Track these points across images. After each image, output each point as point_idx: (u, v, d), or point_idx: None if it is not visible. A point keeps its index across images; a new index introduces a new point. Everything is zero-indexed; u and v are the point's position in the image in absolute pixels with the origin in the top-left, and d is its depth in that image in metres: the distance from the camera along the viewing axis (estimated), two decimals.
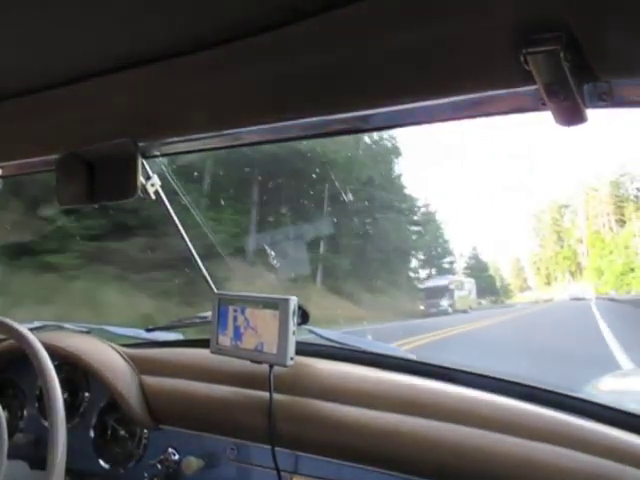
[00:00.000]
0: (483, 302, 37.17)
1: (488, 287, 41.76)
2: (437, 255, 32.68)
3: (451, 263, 35.01)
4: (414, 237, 28.40)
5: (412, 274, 28.24)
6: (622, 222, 42.61)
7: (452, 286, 25.16)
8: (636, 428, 0.91)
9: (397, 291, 22.67)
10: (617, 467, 0.84)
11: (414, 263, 29.16)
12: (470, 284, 28.66)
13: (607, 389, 1.77)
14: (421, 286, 26.20)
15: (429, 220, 31.10)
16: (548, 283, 53.07)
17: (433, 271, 31.09)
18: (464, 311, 23.84)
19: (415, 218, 28.29)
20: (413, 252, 28.21)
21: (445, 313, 21.87)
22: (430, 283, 26.29)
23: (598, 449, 0.87)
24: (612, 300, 26.83)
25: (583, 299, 31.42)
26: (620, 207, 43.66)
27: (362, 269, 20.04)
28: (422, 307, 22.23)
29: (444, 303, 23.12)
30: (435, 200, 64.80)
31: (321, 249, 17.65)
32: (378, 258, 21.49)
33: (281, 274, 13.52)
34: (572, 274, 50.04)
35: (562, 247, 52.36)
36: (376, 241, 21.38)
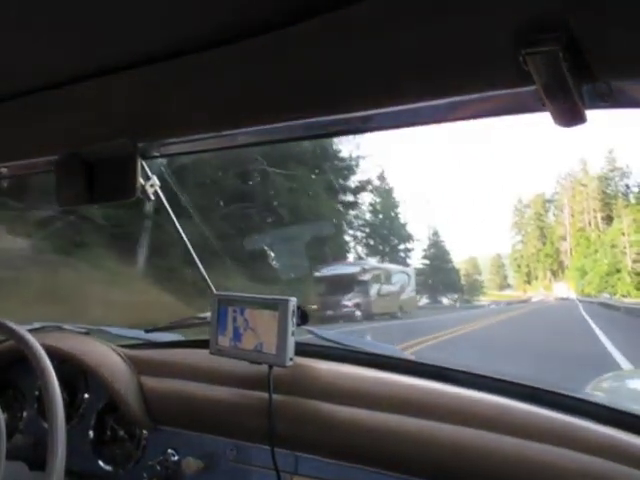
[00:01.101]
0: (445, 300, 31.13)
1: (450, 282, 35.52)
2: (380, 237, 23.41)
3: (406, 251, 26.05)
4: (343, 210, 19.60)
5: (338, 259, 18.37)
6: (609, 219, 41.26)
7: (366, 277, 16.45)
8: (635, 428, 0.91)
9: (302, 282, 13.93)
10: (616, 467, 0.84)
11: (340, 246, 19.63)
12: (403, 275, 19.76)
13: (606, 389, 1.78)
14: (317, 274, 15.75)
15: (371, 189, 22.41)
16: (528, 281, 51.56)
17: (372, 259, 22.25)
18: (393, 315, 16.16)
19: (346, 183, 19.36)
20: (338, 229, 18.97)
21: (350, 318, 14.10)
22: (329, 271, 16.49)
23: (597, 449, 0.87)
24: (606, 306, 22.63)
25: (567, 299, 30.57)
26: (607, 204, 42.45)
27: (233, 248, 12.15)
28: (314, 307, 13.47)
29: (349, 302, 15.31)
30: (385, 163, 50.62)
31: (147, 213, 10.98)
32: (266, 232, 13.86)
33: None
34: (554, 273, 48.86)
35: (544, 244, 50.67)
36: (263, 208, 13.90)
